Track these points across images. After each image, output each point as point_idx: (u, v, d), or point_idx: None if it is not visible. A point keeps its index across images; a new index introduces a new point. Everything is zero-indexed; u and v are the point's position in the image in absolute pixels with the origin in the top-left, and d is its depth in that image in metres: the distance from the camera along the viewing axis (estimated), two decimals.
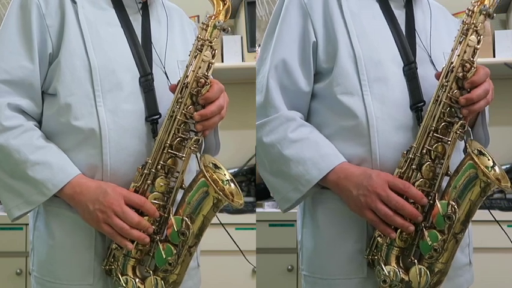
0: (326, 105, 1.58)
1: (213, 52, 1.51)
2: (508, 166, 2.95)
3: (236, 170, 3.10)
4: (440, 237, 1.47)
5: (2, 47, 1.53)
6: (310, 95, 1.60)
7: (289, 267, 2.88)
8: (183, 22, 1.73)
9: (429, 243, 1.47)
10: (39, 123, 1.55)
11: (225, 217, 2.90)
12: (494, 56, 2.82)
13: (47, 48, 1.52)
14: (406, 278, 1.50)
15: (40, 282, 1.56)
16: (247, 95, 3.03)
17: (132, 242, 1.47)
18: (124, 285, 1.48)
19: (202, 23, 1.51)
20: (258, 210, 2.92)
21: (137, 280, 1.50)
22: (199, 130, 1.50)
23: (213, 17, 1.51)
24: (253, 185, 3.09)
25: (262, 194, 3.05)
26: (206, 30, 1.50)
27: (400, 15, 1.60)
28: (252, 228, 2.81)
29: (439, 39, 1.61)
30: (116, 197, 1.46)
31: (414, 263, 1.49)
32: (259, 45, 3.01)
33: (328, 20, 1.57)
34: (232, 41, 3.05)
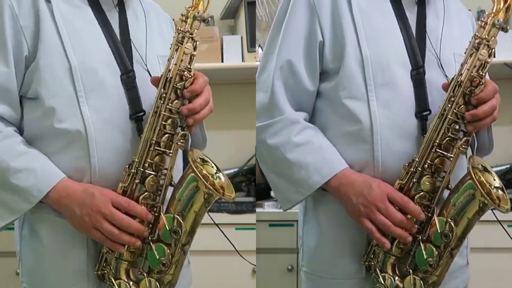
0: (331, 108, 1.57)
1: (194, 44, 1.46)
2: (508, 166, 2.95)
3: (236, 170, 3.09)
4: (436, 252, 1.48)
5: None
6: (315, 94, 1.60)
7: (289, 267, 2.88)
8: (159, 17, 1.69)
9: (425, 257, 1.48)
10: (19, 128, 1.50)
11: (225, 217, 2.92)
12: (494, 56, 2.81)
13: (22, 50, 1.46)
14: (401, 285, 1.51)
15: None
16: (247, 95, 3.03)
17: (124, 244, 1.44)
18: None
19: (182, 14, 1.46)
20: (258, 210, 2.92)
21: (131, 283, 1.47)
22: (190, 124, 1.46)
23: (192, 7, 1.46)
24: (253, 185, 3.09)
25: (262, 194, 3.04)
26: (186, 22, 1.45)
27: (411, 14, 1.57)
28: (252, 228, 2.81)
29: (450, 40, 1.59)
30: (104, 200, 1.42)
31: (410, 272, 1.51)
32: (259, 45, 3.01)
33: (336, 18, 1.55)
34: (232, 41, 3.05)
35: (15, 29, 1.46)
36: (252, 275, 2.83)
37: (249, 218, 2.84)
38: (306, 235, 1.65)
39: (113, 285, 1.46)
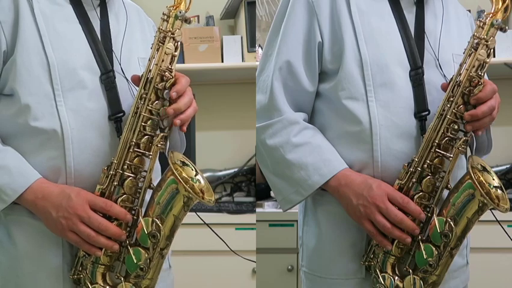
0: (331, 108, 1.57)
1: (176, 44, 1.43)
2: (508, 166, 2.95)
3: (236, 170, 3.10)
4: (435, 252, 1.48)
5: None
6: (314, 94, 1.60)
7: (289, 267, 2.88)
8: (142, 19, 1.66)
9: (425, 257, 1.48)
10: None
11: (224, 217, 2.91)
12: (494, 56, 2.82)
13: (0, 45, 1.43)
14: (401, 285, 1.51)
15: None
16: (247, 95, 3.03)
17: (101, 248, 1.40)
18: None
19: (163, 13, 1.43)
20: (258, 210, 2.92)
21: None
22: (177, 125, 1.43)
23: (174, 7, 1.42)
24: (253, 185, 3.09)
25: (262, 194, 3.05)
26: (167, 22, 1.42)
27: (410, 15, 1.57)
28: (252, 228, 2.81)
29: (449, 40, 1.59)
30: (81, 202, 1.38)
31: (409, 272, 1.51)
32: (259, 45, 3.01)
33: (335, 19, 1.55)
34: (232, 41, 3.05)
35: None
36: (252, 275, 2.83)
37: (249, 218, 2.84)
38: (306, 235, 1.65)
39: None
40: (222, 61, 3.04)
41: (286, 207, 1.60)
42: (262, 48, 1.73)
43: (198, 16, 3.14)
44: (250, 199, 3.00)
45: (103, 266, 1.43)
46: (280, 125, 1.57)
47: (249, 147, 3.06)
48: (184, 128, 1.47)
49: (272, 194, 2.67)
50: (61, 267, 1.45)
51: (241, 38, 3.06)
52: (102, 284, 1.43)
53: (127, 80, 1.49)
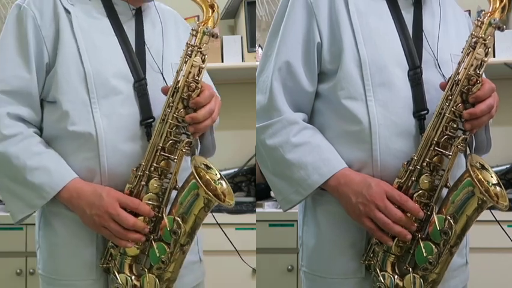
0: (330, 108, 1.58)
1: (203, 57, 1.54)
2: (508, 166, 2.95)
3: (236, 170, 3.10)
4: (435, 250, 1.48)
5: (0, 59, 1.58)
6: (314, 94, 1.61)
7: (289, 267, 2.88)
8: (178, 24, 1.76)
9: (425, 254, 1.48)
10: (40, 129, 1.61)
11: (224, 217, 2.92)
12: (494, 56, 2.82)
13: (43, 58, 1.57)
14: (401, 284, 1.51)
15: (46, 280, 1.61)
16: (247, 95, 3.03)
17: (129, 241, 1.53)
18: (120, 282, 1.54)
19: (192, 29, 1.55)
20: (258, 210, 2.92)
21: (133, 277, 1.55)
22: (191, 132, 1.53)
23: (203, 23, 1.55)
24: (253, 185, 3.09)
25: (262, 194, 3.05)
26: (196, 37, 1.54)
27: (408, 15, 1.58)
28: (252, 228, 2.82)
29: (447, 40, 1.60)
30: (111, 201, 1.50)
31: (409, 271, 1.51)
32: (259, 45, 3.01)
33: (334, 20, 1.56)
34: (232, 41, 3.05)
35: (37, 38, 1.57)
36: (252, 275, 2.84)
37: (249, 218, 2.85)
38: (306, 235, 1.66)
39: (117, 278, 1.54)
40: (222, 61, 3.05)
41: (287, 207, 1.61)
42: (262, 48, 1.74)
43: (198, 16, 3.13)
44: (250, 199, 3.00)
45: (130, 258, 1.55)
46: (279, 125, 1.57)
47: (249, 147, 3.06)
48: (196, 135, 1.56)
49: (272, 194, 2.68)
50: (94, 257, 1.58)
51: (241, 38, 3.06)
52: (128, 274, 1.55)
53: (166, 83, 1.59)
